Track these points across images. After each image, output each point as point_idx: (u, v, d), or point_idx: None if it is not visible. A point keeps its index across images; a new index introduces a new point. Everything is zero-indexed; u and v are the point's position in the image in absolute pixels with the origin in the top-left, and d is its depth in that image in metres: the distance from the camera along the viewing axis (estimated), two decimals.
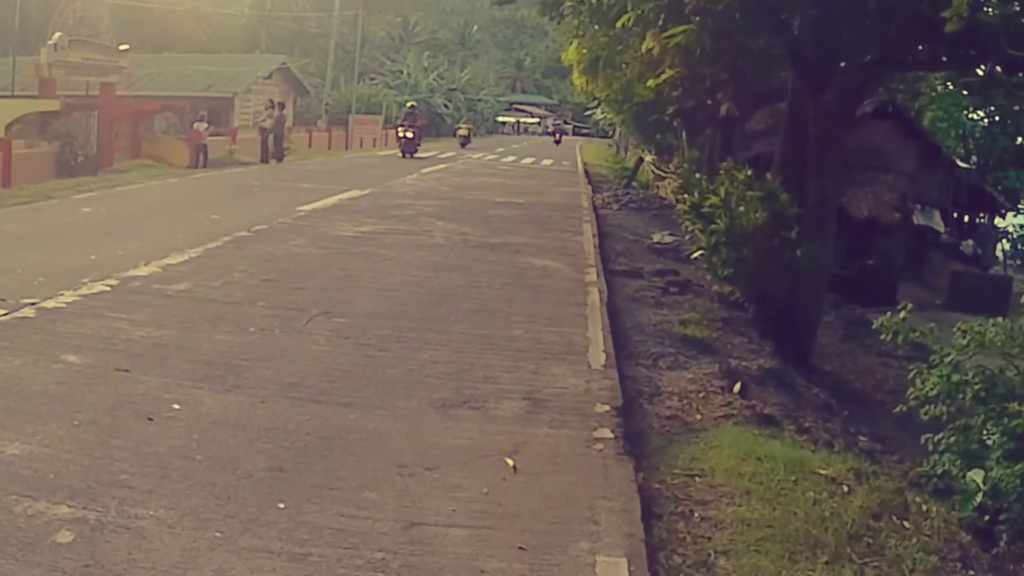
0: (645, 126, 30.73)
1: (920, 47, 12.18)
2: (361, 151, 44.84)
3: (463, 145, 49.32)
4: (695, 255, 13.14)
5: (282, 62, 46.46)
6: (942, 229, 27.69)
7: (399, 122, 37.82)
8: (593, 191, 27.66)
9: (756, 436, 6.98)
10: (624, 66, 15.25)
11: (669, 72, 11.46)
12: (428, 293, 10.20)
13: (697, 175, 13.33)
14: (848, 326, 16.67)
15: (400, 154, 35.80)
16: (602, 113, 40.84)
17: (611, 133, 61.03)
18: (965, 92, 31.69)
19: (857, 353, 15.37)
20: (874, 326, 8.55)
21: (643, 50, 10.78)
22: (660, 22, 10.13)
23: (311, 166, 30.52)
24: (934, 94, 30.44)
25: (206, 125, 29.73)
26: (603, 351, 8.19)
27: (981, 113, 35.61)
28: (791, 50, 12.18)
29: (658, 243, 17.40)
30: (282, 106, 33.58)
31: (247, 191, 20.38)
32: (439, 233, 14.97)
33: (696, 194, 12.31)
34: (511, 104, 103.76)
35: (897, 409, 8.42)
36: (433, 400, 6.48)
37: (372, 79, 67.15)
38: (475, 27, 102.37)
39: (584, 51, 17.58)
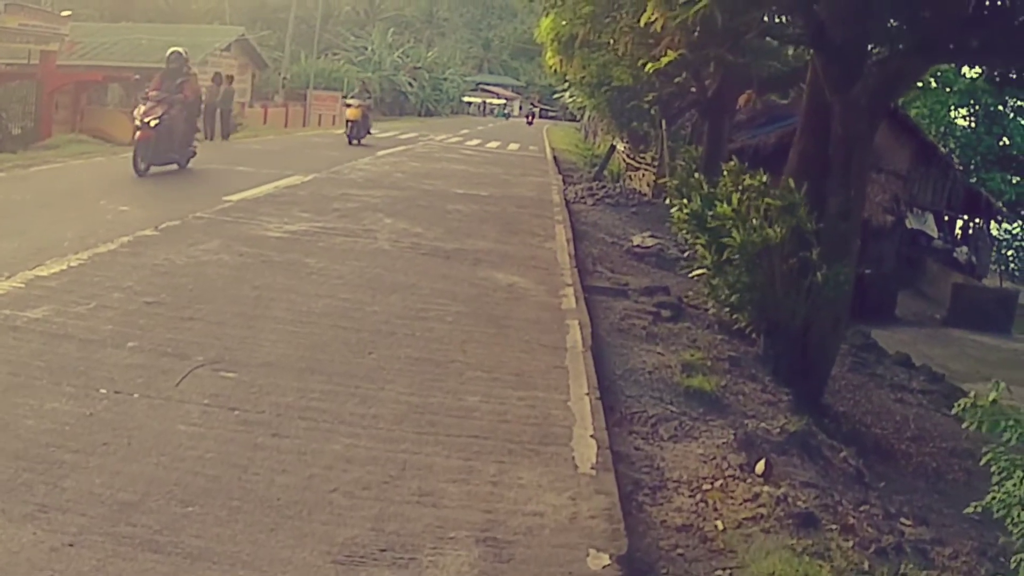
0: (620, 112, 28.53)
1: (966, 34, 10.10)
2: (318, 129, 42.73)
3: (350, 139, 29.71)
4: (694, 274, 10.96)
5: (240, 34, 44.66)
6: (935, 234, 25.99)
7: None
8: (564, 182, 25.35)
9: (799, 558, 4.97)
10: (612, 42, 12.96)
11: (671, 54, 9.18)
12: (358, 328, 7.83)
13: (696, 176, 11.10)
14: (855, 352, 14.58)
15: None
16: (571, 97, 38.65)
17: (579, 117, 59.23)
18: (986, 83, 30.18)
19: (869, 386, 13.31)
20: (954, 410, 6.53)
21: (642, 23, 8.55)
22: None
23: (258, 145, 27.89)
24: (920, 87, 28.81)
25: None
26: (593, 435, 5.89)
27: (964, 112, 34.15)
28: (815, 33, 10.00)
29: (639, 246, 15.31)
30: (230, 79, 31.21)
31: (176, 175, 17.90)
32: (386, 234, 12.60)
33: (698, 200, 10.11)
34: (477, 84, 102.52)
35: (971, 508, 6.39)
36: (335, 547, 4.16)
37: (335, 55, 64.83)
38: (443, 6, 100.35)
39: (563, 23, 15.25)
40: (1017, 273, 32.92)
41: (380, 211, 14.69)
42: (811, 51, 17.91)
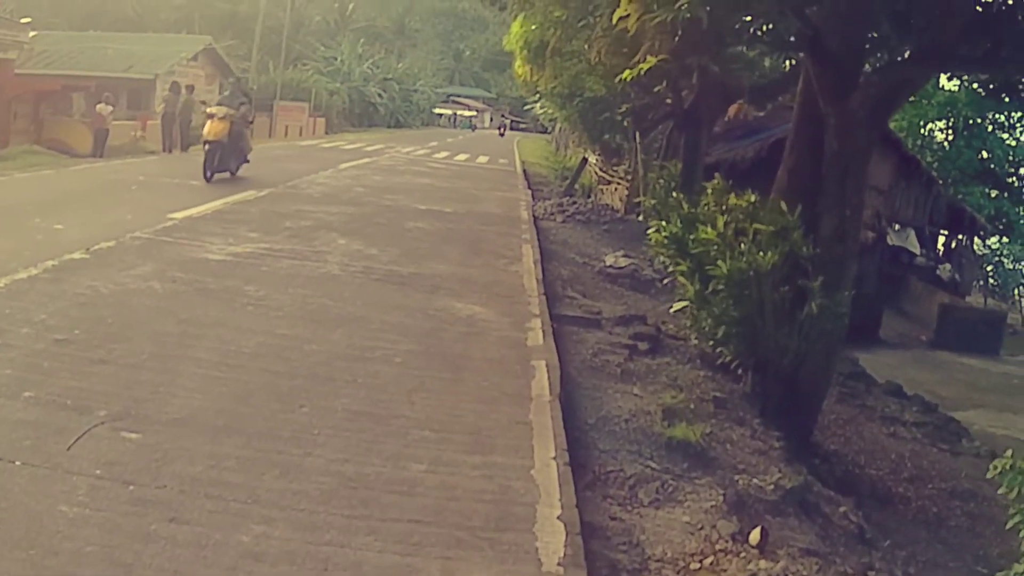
0: (592, 124, 27.50)
1: (969, 40, 9.21)
2: (284, 140, 41.76)
3: (207, 172, 18.39)
4: (676, 308, 9.95)
5: (208, 43, 43.69)
6: (918, 251, 25.17)
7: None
8: (533, 197, 24.33)
9: None
10: (586, 47, 12.00)
11: (651, 59, 8.17)
12: (291, 373, 6.78)
13: (675, 195, 10.10)
14: (843, 381, 13.64)
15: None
16: (542, 108, 37.72)
17: (550, 129, 58.39)
18: (966, 95, 29.65)
19: (860, 420, 12.44)
20: (990, 474, 5.68)
21: (614, 20, 7.56)
22: None
23: None
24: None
25: (110, 108, 26.31)
26: (560, 517, 4.87)
27: (941, 124, 33.57)
28: (809, 40, 9.04)
29: (612, 267, 14.30)
30: (191, 89, 29.97)
31: (122, 189, 16.72)
32: (337, 257, 11.54)
33: (679, 223, 9.13)
34: (448, 96, 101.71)
35: None
36: None
37: (305, 65, 63.70)
38: (415, 17, 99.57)
39: (533, 28, 14.23)
40: (997, 289, 32.24)
41: (334, 230, 13.62)
42: (788, 62, 17.35)
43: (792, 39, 9.58)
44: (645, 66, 8.16)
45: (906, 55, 9.48)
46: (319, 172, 23.32)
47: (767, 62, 19.41)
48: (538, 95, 32.07)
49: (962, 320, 21.40)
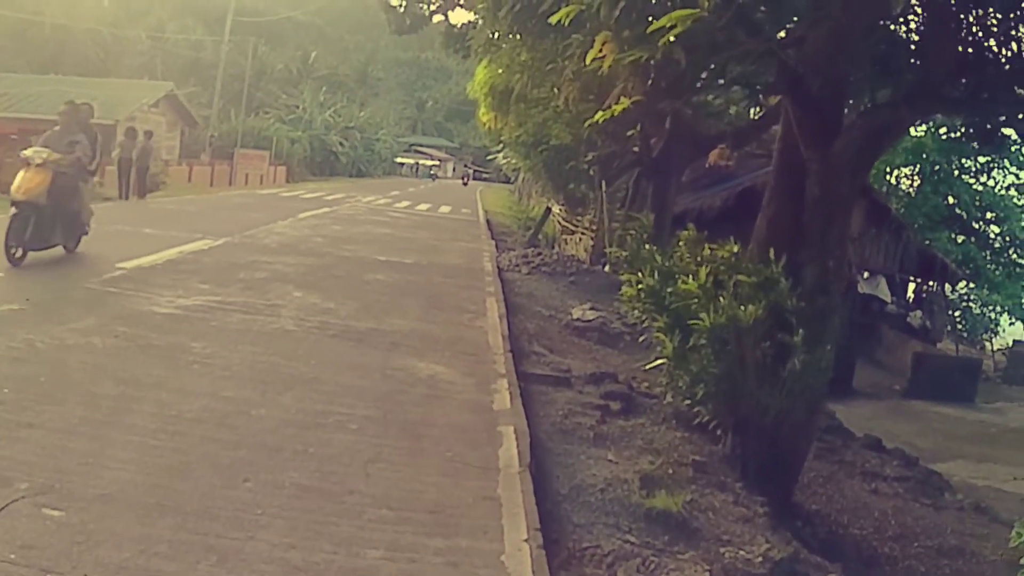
0: (557, 173, 27.13)
1: (957, 82, 8.86)
2: (245, 188, 41.30)
3: (6, 250, 11.60)
4: (651, 365, 9.43)
5: (170, 89, 43.49)
6: (888, 299, 24.95)
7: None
8: (497, 247, 23.80)
9: None
10: (555, 91, 11.55)
11: (625, 101, 7.69)
12: (236, 442, 6.14)
13: (647, 246, 9.59)
14: (821, 435, 13.09)
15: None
16: (505, 158, 37.44)
17: (513, 179, 58.20)
18: (934, 140, 29.69)
19: (840, 476, 11.92)
20: (1013, 542, 5.21)
21: (588, 60, 7.09)
22: (620, 15, 6.42)
23: (174, 205, 26.30)
24: None
25: None
26: None
27: (907, 171, 33.59)
28: (790, 81, 8.62)
29: (579, 320, 13.79)
30: (149, 134, 29.46)
31: None
32: (292, 311, 10.94)
33: (653, 275, 8.62)
34: (411, 145, 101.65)
35: None
36: None
37: (267, 113, 63.32)
38: (378, 66, 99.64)
39: (499, 71, 13.78)
40: (965, 335, 32.08)
41: (290, 282, 13.03)
42: (756, 110, 17.07)
43: (773, 81, 9.16)
44: (618, 108, 7.67)
45: (890, 97, 9.07)
46: (278, 221, 22.76)
47: (733, 109, 19.20)
48: (502, 144, 31.80)
49: (936, 368, 21.12)
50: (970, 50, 8.53)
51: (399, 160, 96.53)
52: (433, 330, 10.95)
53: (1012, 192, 33.56)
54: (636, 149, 19.60)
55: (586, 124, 10.04)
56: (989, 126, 10.48)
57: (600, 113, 7.83)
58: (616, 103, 7.90)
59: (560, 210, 32.28)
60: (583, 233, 26.96)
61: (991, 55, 8.64)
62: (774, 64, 8.64)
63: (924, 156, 31.49)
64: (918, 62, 8.80)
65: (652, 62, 7.02)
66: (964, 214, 32.71)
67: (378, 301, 12.46)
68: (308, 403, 7.27)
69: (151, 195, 28.26)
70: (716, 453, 8.69)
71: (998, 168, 33.28)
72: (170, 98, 42.75)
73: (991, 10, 8.19)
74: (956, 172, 32.82)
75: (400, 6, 25.32)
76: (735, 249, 8.19)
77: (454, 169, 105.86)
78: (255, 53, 52.84)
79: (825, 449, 12.83)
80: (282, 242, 18.25)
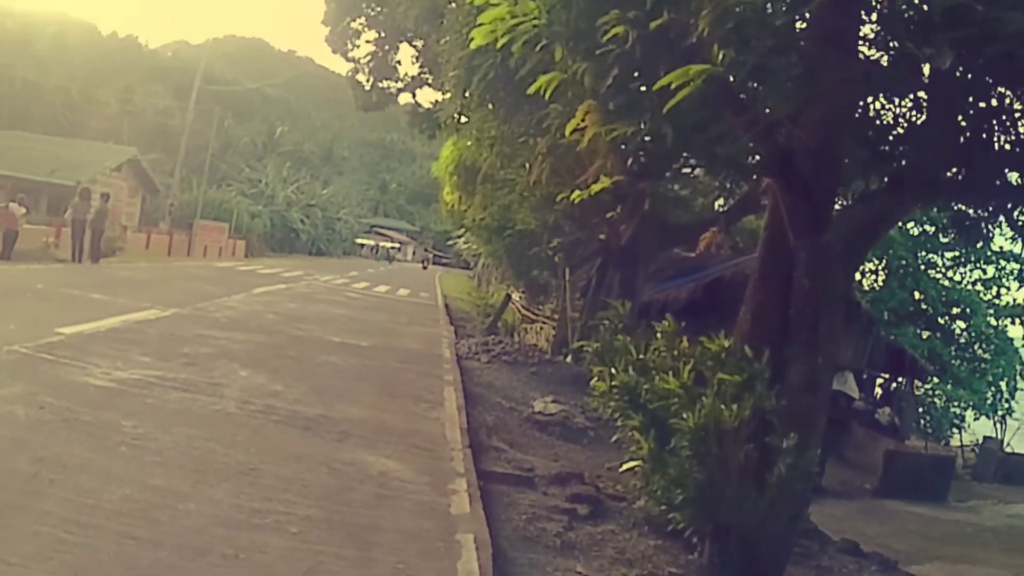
0: (520, 259, 26.45)
1: (962, 168, 8.38)
2: (202, 260, 41.03)
3: None
4: (625, 468, 8.68)
5: (133, 154, 43.17)
6: (856, 395, 24.43)
7: None
8: (456, 333, 23.04)
9: None
10: (526, 167, 10.94)
11: (605, 180, 7.09)
12: (157, 541, 5.27)
13: (620, 338, 8.91)
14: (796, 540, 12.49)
15: None
16: (466, 243, 36.92)
17: (473, 264, 57.74)
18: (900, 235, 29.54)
19: None
20: None
21: (568, 132, 6.49)
22: (610, 85, 5.83)
23: (127, 271, 25.58)
24: None
25: (24, 210, 25.34)
26: None
27: (872, 266, 33.44)
28: (779, 164, 8.06)
29: (541, 413, 13.04)
30: (106, 197, 28.94)
31: (15, 296, 15.51)
32: (235, 391, 10.08)
33: (629, 370, 7.93)
34: (372, 227, 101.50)
35: None
36: None
37: (229, 185, 62.88)
38: (343, 145, 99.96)
39: (468, 146, 13.16)
40: (930, 431, 31.66)
41: (237, 360, 12.19)
42: (720, 201, 16.63)
43: (762, 161, 8.58)
44: (597, 187, 7.08)
45: (886, 184, 8.55)
46: (232, 295, 22.05)
47: (700, 201, 18.84)
48: (463, 229, 31.21)
49: (909, 467, 20.64)
50: (968, 134, 8.07)
51: (359, 241, 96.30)
52: (387, 420, 10.12)
53: (979, 287, 33.47)
54: (603, 236, 19.08)
55: (559, 200, 9.44)
56: (974, 216, 10.01)
57: (577, 192, 7.24)
58: (594, 181, 7.31)
59: (520, 297, 31.68)
60: (544, 322, 26.32)
61: (991, 139, 8.20)
62: (763, 144, 8.10)
63: (891, 251, 31.34)
64: (913, 147, 8.30)
65: (638, 137, 6.47)
66: (930, 309, 32.55)
67: (330, 386, 11.64)
68: (244, 498, 6.41)
69: (105, 260, 27.70)
70: (693, 563, 7.93)
71: (964, 264, 33.27)
72: (133, 163, 42.48)
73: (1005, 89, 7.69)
74: (923, 267, 32.75)
75: (367, 83, 24.96)
76: (725, 344, 7.51)
77: (414, 252, 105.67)
78: (221, 125, 52.60)
79: (801, 554, 12.09)
80: (233, 317, 17.43)
